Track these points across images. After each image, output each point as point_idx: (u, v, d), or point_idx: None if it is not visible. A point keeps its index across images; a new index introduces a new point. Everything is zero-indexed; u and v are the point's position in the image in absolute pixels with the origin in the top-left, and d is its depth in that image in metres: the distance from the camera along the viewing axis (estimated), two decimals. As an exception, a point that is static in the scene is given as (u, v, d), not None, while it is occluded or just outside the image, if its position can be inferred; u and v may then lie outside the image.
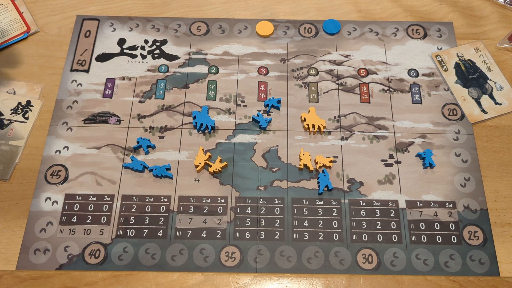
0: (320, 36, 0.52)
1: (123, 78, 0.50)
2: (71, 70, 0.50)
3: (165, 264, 0.41)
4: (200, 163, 0.44)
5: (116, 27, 0.53)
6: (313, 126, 0.46)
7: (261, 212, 0.43)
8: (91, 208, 0.43)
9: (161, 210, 0.43)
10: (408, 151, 0.46)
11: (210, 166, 0.44)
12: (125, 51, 0.51)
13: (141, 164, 0.44)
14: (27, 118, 0.47)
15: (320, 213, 0.43)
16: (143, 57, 0.51)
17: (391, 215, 0.43)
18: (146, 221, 0.42)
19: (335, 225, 0.42)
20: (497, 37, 0.52)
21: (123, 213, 0.43)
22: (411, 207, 0.43)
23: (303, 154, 0.45)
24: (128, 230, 0.42)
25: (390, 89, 0.49)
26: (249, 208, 0.43)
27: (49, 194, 0.43)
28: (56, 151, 0.45)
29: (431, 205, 0.43)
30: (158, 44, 0.52)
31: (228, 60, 0.51)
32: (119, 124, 0.47)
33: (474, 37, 0.52)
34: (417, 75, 0.50)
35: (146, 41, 0.52)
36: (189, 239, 0.42)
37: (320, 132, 0.47)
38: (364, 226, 0.42)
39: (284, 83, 0.49)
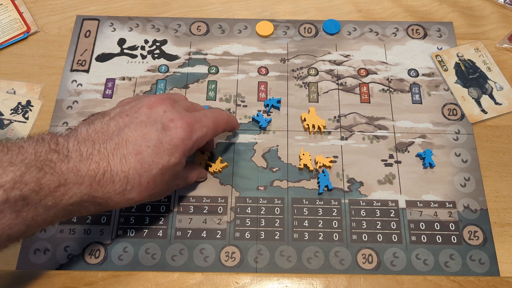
0: (320, 36, 0.52)
1: (123, 78, 0.50)
2: (71, 70, 0.50)
3: (165, 264, 0.41)
4: (200, 163, 0.44)
5: (116, 27, 0.53)
6: (313, 126, 0.46)
7: (261, 212, 0.43)
8: (91, 208, 0.43)
9: (161, 210, 0.43)
10: (408, 151, 0.46)
11: (210, 166, 0.44)
12: (125, 51, 0.51)
13: (141, 164, 0.44)
14: (27, 118, 0.47)
15: (320, 213, 0.43)
16: (143, 57, 0.51)
17: (391, 215, 0.43)
18: (146, 221, 0.42)
19: (335, 225, 0.42)
20: (497, 37, 0.52)
21: (123, 213, 0.43)
22: (411, 207, 0.43)
23: (303, 154, 0.45)
24: (128, 230, 0.42)
25: (390, 89, 0.49)
26: (249, 208, 0.43)
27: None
28: (56, 151, 0.45)
29: (431, 205, 0.43)
30: (158, 44, 0.52)
31: (228, 60, 0.51)
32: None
33: (474, 37, 0.52)
34: (417, 75, 0.50)
35: (146, 41, 0.52)
36: (189, 239, 0.42)
37: (320, 132, 0.47)
38: (364, 226, 0.42)
39: (284, 83, 0.49)
